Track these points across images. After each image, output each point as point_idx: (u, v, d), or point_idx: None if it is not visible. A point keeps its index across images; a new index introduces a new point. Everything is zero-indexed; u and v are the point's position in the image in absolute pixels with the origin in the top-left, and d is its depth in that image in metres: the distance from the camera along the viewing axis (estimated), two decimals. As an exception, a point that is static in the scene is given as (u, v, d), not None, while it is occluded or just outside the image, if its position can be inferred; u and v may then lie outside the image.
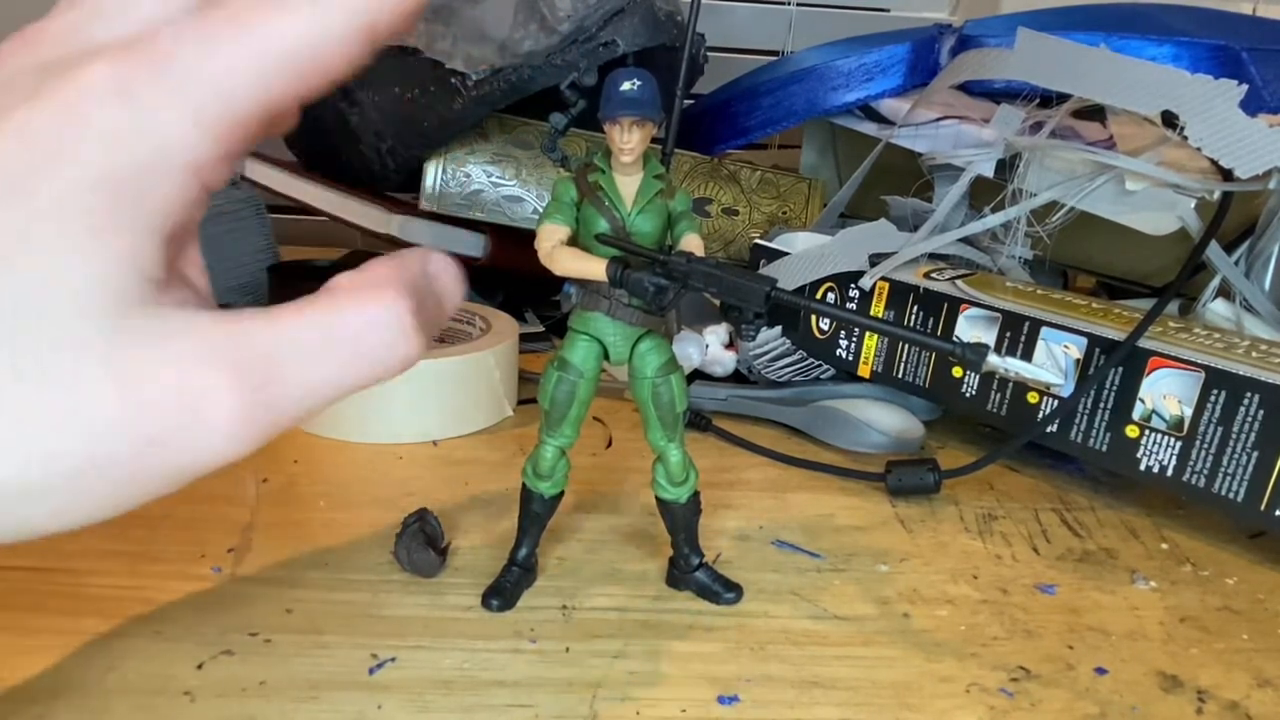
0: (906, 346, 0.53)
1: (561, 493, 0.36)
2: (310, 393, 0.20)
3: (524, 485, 0.36)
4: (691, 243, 0.33)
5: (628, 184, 0.32)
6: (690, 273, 0.31)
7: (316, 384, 0.20)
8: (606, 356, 0.34)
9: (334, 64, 0.21)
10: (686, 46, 0.35)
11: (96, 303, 0.19)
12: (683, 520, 0.36)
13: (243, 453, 0.20)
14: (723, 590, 0.36)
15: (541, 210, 0.65)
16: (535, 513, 0.36)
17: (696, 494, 0.36)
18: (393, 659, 0.32)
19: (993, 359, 0.26)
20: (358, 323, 0.21)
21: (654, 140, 0.32)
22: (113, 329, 0.19)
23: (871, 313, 0.54)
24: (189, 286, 0.22)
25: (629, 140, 0.31)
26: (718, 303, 0.31)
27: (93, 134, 0.18)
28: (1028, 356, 0.47)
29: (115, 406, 0.19)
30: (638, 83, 0.30)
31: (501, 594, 0.35)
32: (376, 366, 0.21)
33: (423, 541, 0.37)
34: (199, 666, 0.31)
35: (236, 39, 0.19)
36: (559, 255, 0.32)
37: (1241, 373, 0.40)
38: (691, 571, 0.37)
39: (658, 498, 0.36)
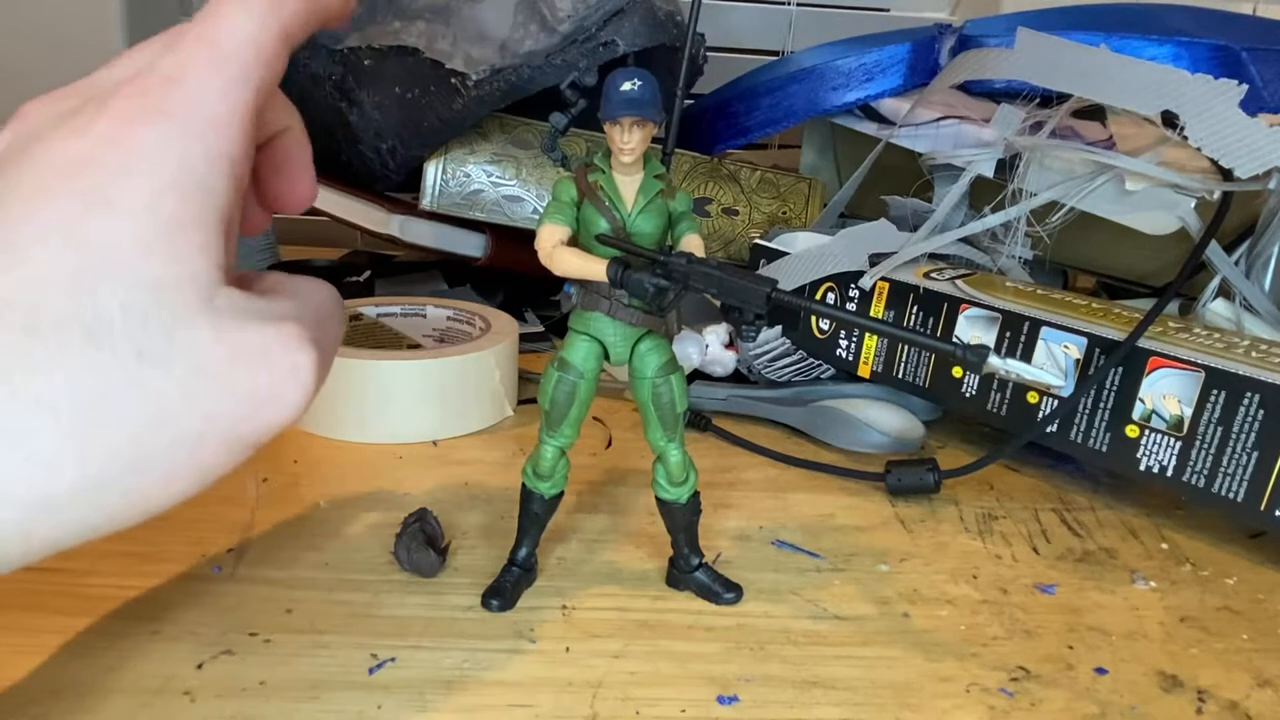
0: (906, 346, 0.53)
1: (561, 493, 0.36)
2: (335, 343, 0.25)
3: (524, 485, 0.36)
4: (692, 243, 0.33)
5: (628, 184, 0.32)
6: (690, 273, 0.31)
7: (337, 335, 0.26)
8: (607, 357, 0.34)
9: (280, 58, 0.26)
10: (687, 46, 0.35)
11: (190, 291, 0.22)
12: (683, 520, 0.36)
13: (308, 407, 0.24)
14: (722, 590, 0.36)
15: (541, 210, 0.65)
16: (535, 513, 0.36)
17: (696, 494, 0.36)
18: (393, 659, 0.32)
19: (993, 360, 0.26)
20: (328, 293, 0.26)
21: (654, 140, 0.32)
22: (210, 310, 0.22)
23: (871, 313, 0.54)
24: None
25: (629, 140, 0.31)
26: (718, 303, 0.31)
27: (150, 148, 0.22)
28: (1028, 356, 0.47)
29: (230, 374, 0.22)
30: (638, 83, 0.30)
31: (501, 594, 0.35)
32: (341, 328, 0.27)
33: (423, 541, 0.37)
34: (199, 666, 0.31)
35: (213, 56, 0.24)
36: (559, 255, 0.32)
37: (1241, 373, 0.40)
38: (691, 571, 0.37)
39: (658, 498, 0.36)
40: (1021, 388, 0.48)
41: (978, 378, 0.50)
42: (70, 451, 0.21)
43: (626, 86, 0.30)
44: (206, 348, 0.22)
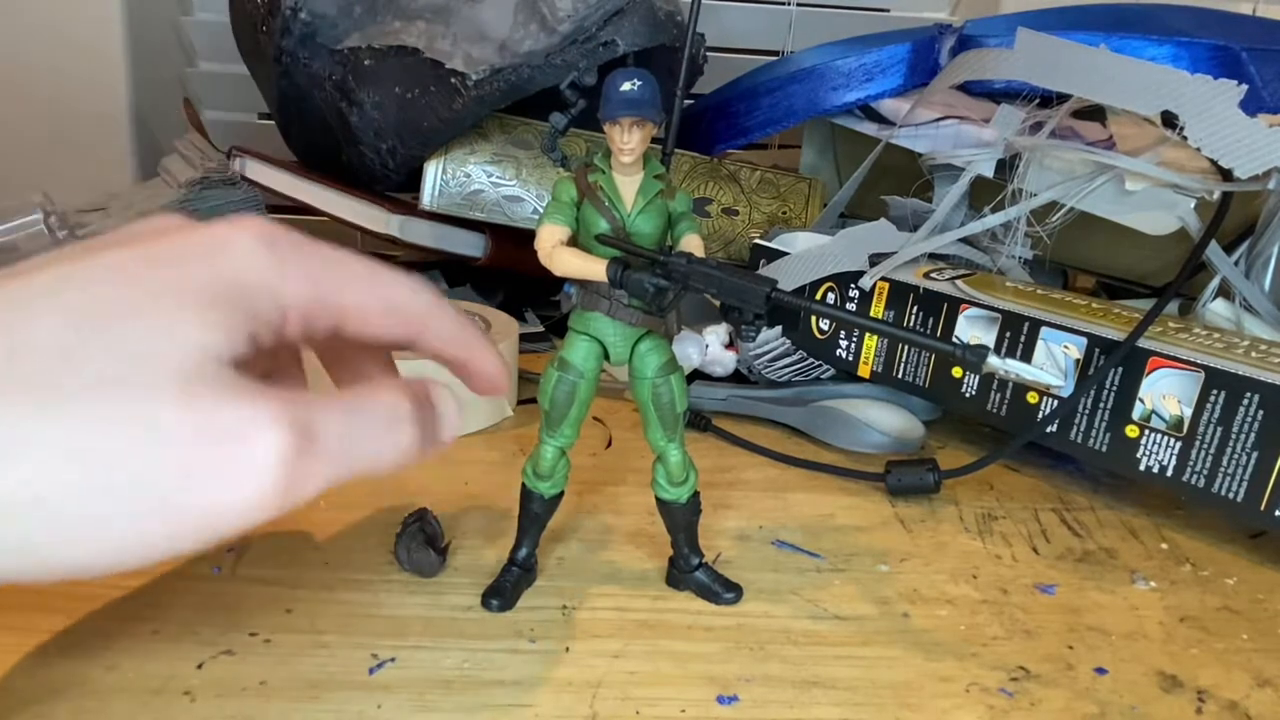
0: (906, 346, 0.53)
1: (561, 493, 0.36)
2: (335, 464, 0.24)
3: (524, 485, 0.36)
4: (692, 243, 0.33)
5: (628, 184, 0.32)
6: (690, 273, 0.31)
7: (339, 456, 0.24)
8: (607, 357, 0.34)
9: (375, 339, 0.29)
10: (686, 46, 0.35)
11: (193, 353, 0.23)
12: (683, 520, 0.36)
13: (268, 507, 0.23)
14: (722, 590, 0.36)
15: (541, 210, 0.65)
16: (535, 513, 0.36)
17: (696, 494, 0.36)
18: (393, 659, 0.32)
19: (993, 360, 0.26)
20: (373, 405, 0.26)
21: (654, 140, 0.32)
22: (184, 382, 0.22)
23: (872, 313, 0.54)
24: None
25: (629, 141, 0.31)
26: (717, 303, 0.31)
27: (224, 260, 0.24)
28: (1028, 356, 0.47)
29: (179, 426, 0.22)
30: (638, 83, 0.30)
31: (501, 594, 0.35)
32: (384, 448, 0.26)
33: (422, 541, 0.37)
34: (199, 666, 0.31)
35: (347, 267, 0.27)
36: (559, 255, 0.32)
37: (1241, 373, 0.40)
38: (691, 571, 0.37)
39: (658, 498, 0.36)
40: (1021, 388, 0.48)
41: (977, 378, 0.50)
42: (32, 492, 0.21)
43: (626, 86, 0.30)
44: (172, 417, 0.22)
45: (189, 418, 0.22)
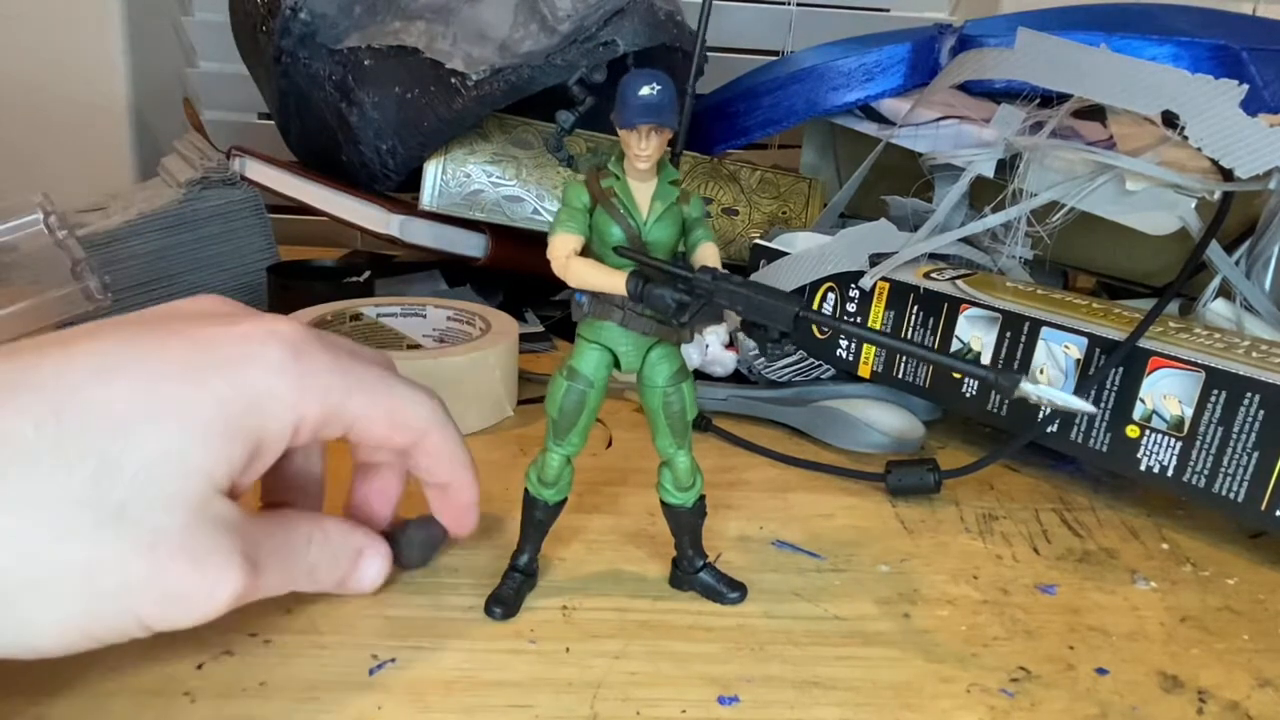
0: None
1: (565, 499, 0.36)
2: (281, 587, 0.29)
3: (527, 492, 0.35)
4: (708, 252, 0.32)
5: (642, 190, 0.31)
6: (715, 290, 0.30)
7: (273, 591, 0.29)
8: (617, 365, 0.33)
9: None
10: (698, 48, 0.34)
11: (195, 487, 0.25)
12: (688, 524, 0.36)
13: (207, 620, 0.26)
14: (727, 590, 0.36)
15: (541, 210, 0.65)
16: (538, 519, 0.35)
17: (702, 497, 0.36)
18: (393, 660, 0.32)
19: (1025, 386, 0.26)
20: (314, 547, 0.30)
21: None
22: (188, 502, 0.25)
23: (872, 313, 0.54)
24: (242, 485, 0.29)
25: (646, 148, 0.30)
26: (740, 320, 0.30)
27: (251, 379, 0.27)
28: (1028, 356, 0.47)
29: (166, 564, 0.25)
30: (657, 87, 0.29)
31: (504, 602, 0.35)
32: (339, 584, 0.32)
33: (422, 541, 0.37)
34: (199, 667, 0.31)
35: (369, 386, 0.30)
36: (575, 268, 0.31)
37: (1242, 373, 0.40)
38: (696, 572, 0.36)
39: (663, 502, 0.36)
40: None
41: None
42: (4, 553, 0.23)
43: (645, 91, 0.29)
44: (170, 536, 0.25)
45: (167, 567, 0.25)
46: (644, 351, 0.33)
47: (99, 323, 0.27)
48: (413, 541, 0.37)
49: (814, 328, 0.58)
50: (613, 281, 0.30)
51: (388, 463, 0.35)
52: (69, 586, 0.24)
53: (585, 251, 0.32)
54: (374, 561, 0.33)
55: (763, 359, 0.58)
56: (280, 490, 0.34)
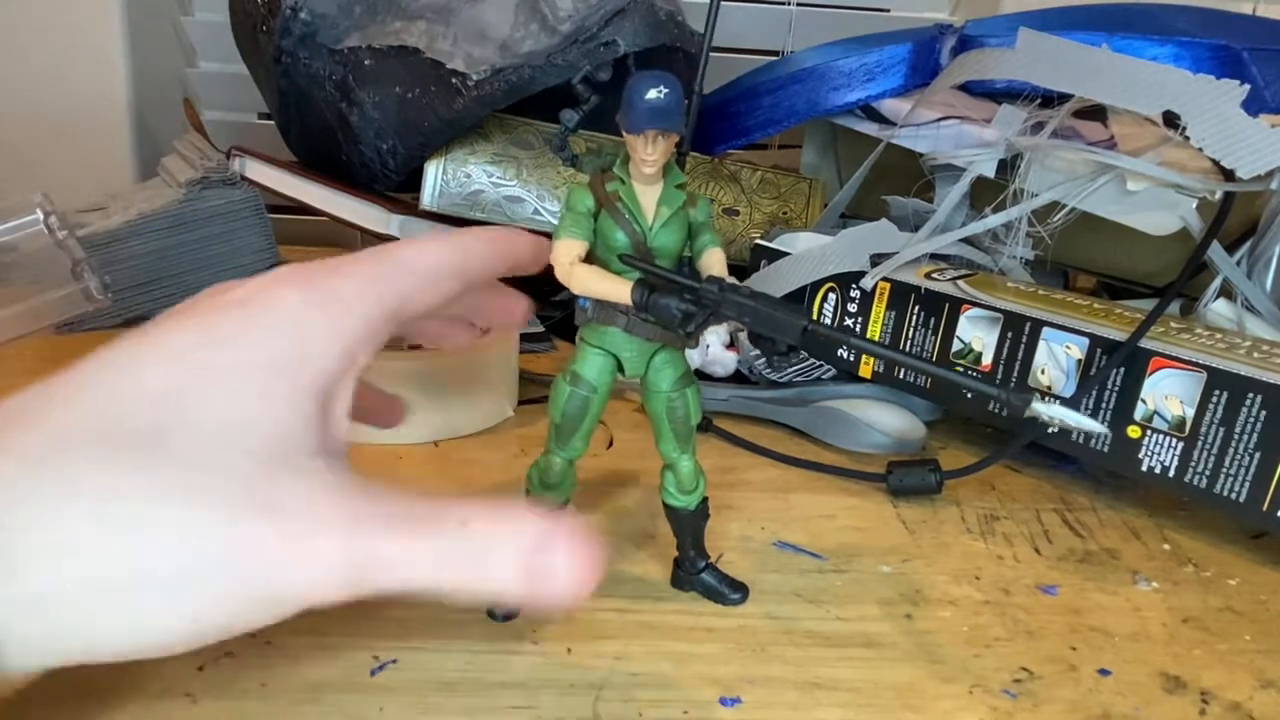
0: (908, 346, 0.53)
1: (567, 500, 0.36)
2: (408, 576, 0.24)
3: (528, 492, 0.35)
4: (714, 258, 0.32)
5: (648, 194, 0.31)
6: (722, 301, 0.29)
7: (414, 574, 0.24)
8: (621, 370, 0.33)
9: (451, 286, 0.30)
10: (704, 49, 0.34)
11: (257, 442, 0.24)
12: (690, 526, 0.36)
13: (331, 591, 0.24)
14: (729, 591, 0.36)
15: (542, 210, 0.65)
16: None
17: (705, 500, 0.36)
18: (394, 660, 0.32)
19: (1036, 405, 0.26)
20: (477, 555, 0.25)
21: None
22: (291, 463, 0.24)
23: (872, 313, 0.54)
24: (332, 437, 0.27)
25: (653, 153, 0.29)
26: (747, 333, 0.30)
27: (284, 308, 0.26)
28: (1029, 356, 0.47)
29: (272, 528, 0.23)
30: (664, 90, 0.28)
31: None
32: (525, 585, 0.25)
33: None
34: (200, 668, 0.31)
35: (381, 273, 0.28)
36: (579, 275, 0.30)
37: (1243, 373, 0.40)
38: (697, 573, 0.36)
39: (666, 504, 0.36)
40: (1022, 387, 0.48)
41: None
42: (91, 548, 0.22)
43: (652, 95, 0.28)
44: (245, 495, 0.23)
45: (260, 531, 0.23)
46: (648, 357, 0.33)
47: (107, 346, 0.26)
48: None
49: (815, 328, 0.58)
50: (618, 290, 0.30)
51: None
52: (164, 570, 0.23)
53: (589, 256, 0.31)
54: (577, 549, 0.24)
55: (764, 361, 0.58)
56: None
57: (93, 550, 0.22)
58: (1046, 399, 0.27)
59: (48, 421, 0.23)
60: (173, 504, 0.22)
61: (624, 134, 0.29)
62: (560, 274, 0.31)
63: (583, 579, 0.24)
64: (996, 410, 0.49)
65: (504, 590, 0.24)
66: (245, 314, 0.26)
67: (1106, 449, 0.45)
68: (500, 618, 0.34)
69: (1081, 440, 0.46)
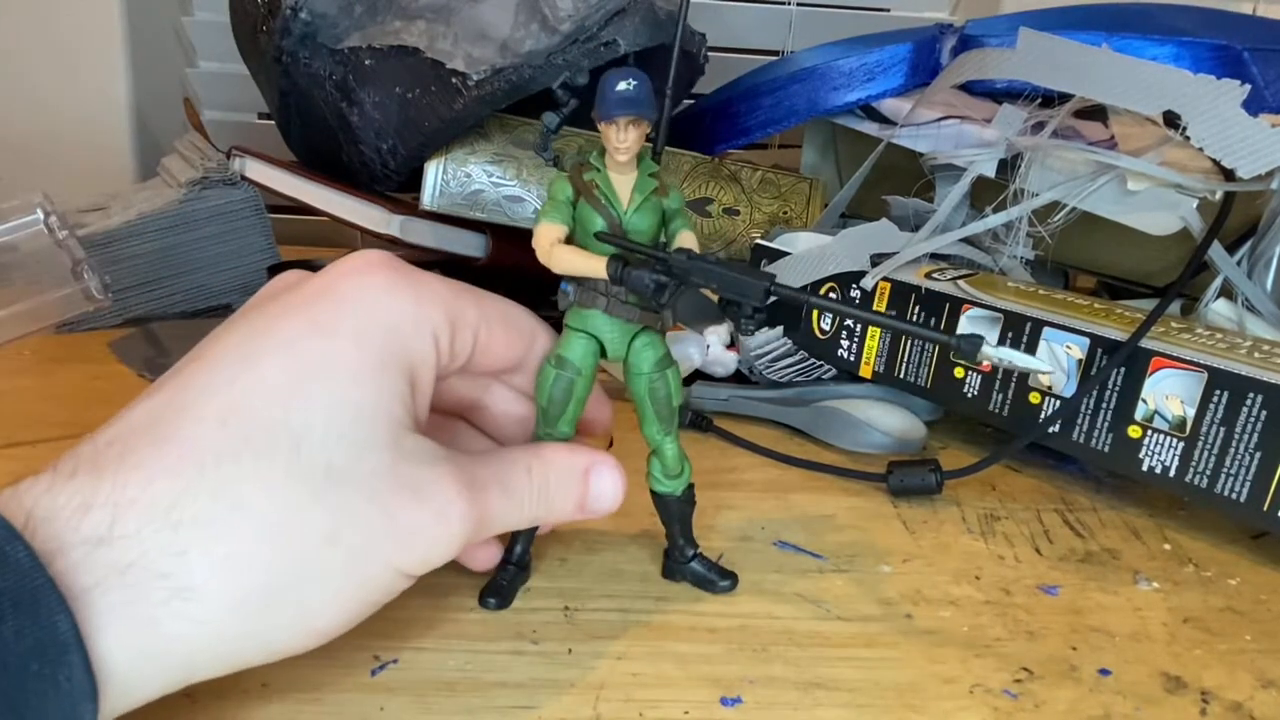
0: (908, 346, 0.53)
1: None
2: (516, 516, 0.30)
3: None
4: (686, 239, 0.33)
5: (623, 182, 0.32)
6: (690, 269, 0.31)
7: (509, 521, 0.30)
8: (603, 353, 0.34)
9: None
10: (675, 42, 0.35)
11: (383, 421, 0.26)
12: (678, 512, 0.36)
13: (456, 548, 0.27)
14: (718, 579, 0.37)
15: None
16: None
17: (691, 485, 0.36)
18: (395, 660, 0.32)
19: (986, 349, 0.28)
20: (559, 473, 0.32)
21: (645, 139, 0.32)
22: (394, 443, 0.26)
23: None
24: (421, 409, 0.29)
25: (625, 139, 0.31)
26: (717, 299, 0.31)
27: (371, 296, 0.27)
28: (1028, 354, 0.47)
29: (392, 504, 0.25)
30: (633, 82, 0.31)
31: (499, 593, 0.35)
32: (578, 507, 0.33)
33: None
34: (200, 668, 0.30)
35: (463, 289, 0.31)
36: (558, 253, 0.32)
37: (1244, 373, 0.40)
38: (687, 562, 0.37)
39: (653, 491, 0.36)
40: (1024, 388, 0.48)
41: (979, 378, 0.50)
42: (261, 555, 0.23)
43: (622, 86, 0.31)
44: (382, 475, 0.25)
45: (394, 506, 0.25)
46: (629, 339, 0.34)
47: (209, 337, 0.27)
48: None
49: (815, 327, 0.58)
50: (594, 265, 0.32)
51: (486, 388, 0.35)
52: (323, 560, 0.24)
53: (570, 242, 0.33)
54: (605, 475, 0.33)
55: (763, 361, 0.58)
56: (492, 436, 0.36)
57: (264, 563, 0.23)
58: (995, 345, 0.28)
59: (182, 431, 0.24)
60: (325, 506, 0.24)
61: (598, 124, 0.31)
62: (541, 255, 0.32)
63: (617, 496, 0.33)
64: (996, 411, 0.49)
65: (565, 518, 0.32)
66: (341, 299, 0.27)
67: (1107, 449, 0.45)
68: (493, 607, 0.35)
69: (1082, 440, 0.46)
